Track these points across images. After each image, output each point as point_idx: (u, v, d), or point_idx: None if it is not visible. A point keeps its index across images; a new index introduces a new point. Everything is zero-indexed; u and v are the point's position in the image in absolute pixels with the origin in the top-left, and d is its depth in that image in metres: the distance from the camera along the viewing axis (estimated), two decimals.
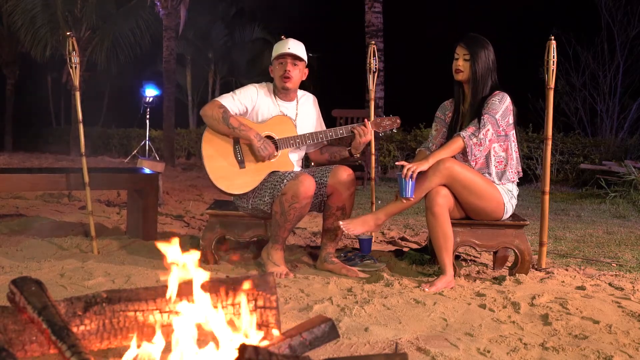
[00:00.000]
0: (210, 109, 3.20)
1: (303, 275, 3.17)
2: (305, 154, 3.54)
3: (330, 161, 3.47)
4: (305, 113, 3.42)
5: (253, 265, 3.40)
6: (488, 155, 3.10)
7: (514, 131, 3.14)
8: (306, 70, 3.39)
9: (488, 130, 3.02)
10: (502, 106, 3.05)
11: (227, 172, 3.21)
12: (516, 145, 3.16)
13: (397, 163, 2.96)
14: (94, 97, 20.00)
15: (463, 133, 3.01)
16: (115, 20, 16.58)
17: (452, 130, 3.20)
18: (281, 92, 3.35)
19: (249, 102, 3.29)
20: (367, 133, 3.26)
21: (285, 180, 3.11)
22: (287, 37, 3.46)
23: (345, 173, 3.24)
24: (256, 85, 3.37)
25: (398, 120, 3.42)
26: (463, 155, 3.09)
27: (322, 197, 3.27)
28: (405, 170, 2.88)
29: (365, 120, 3.30)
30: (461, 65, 3.11)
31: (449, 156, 2.98)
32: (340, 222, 3.04)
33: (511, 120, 3.10)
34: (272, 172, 3.24)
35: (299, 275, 3.17)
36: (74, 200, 5.94)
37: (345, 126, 3.32)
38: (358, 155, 3.38)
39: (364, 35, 10.04)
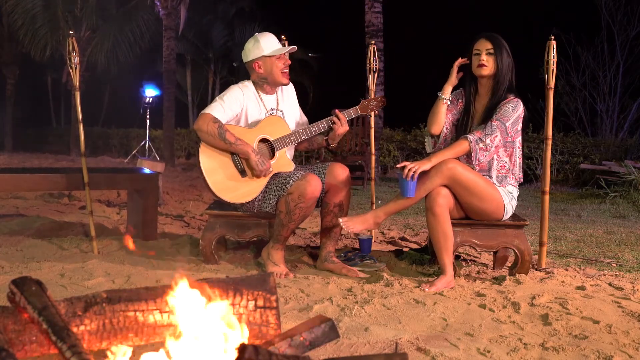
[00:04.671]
0: (205, 125, 3.14)
1: (303, 275, 3.17)
2: None
3: (309, 149, 3.55)
4: (286, 101, 3.44)
5: (253, 265, 3.40)
6: (491, 160, 3.09)
7: (520, 138, 3.13)
8: None
9: (496, 136, 3.01)
10: (514, 114, 3.03)
11: (229, 183, 3.19)
12: (520, 152, 3.15)
13: (398, 165, 2.95)
14: (94, 97, 19.99)
15: (470, 137, 3.00)
16: (115, 20, 16.57)
17: (460, 131, 3.18)
18: (271, 85, 3.34)
19: (237, 105, 3.27)
20: (342, 124, 3.29)
21: (291, 181, 3.11)
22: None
23: (341, 170, 3.27)
24: (239, 85, 3.34)
25: (384, 99, 3.46)
26: (467, 157, 3.08)
27: (320, 194, 3.28)
28: (406, 171, 2.87)
29: (337, 111, 3.31)
30: (485, 59, 3.06)
31: (452, 157, 2.98)
32: (340, 220, 3.04)
33: (520, 127, 3.09)
34: (275, 174, 3.24)
35: (299, 275, 3.17)
36: (74, 200, 5.95)
37: (327, 119, 3.32)
38: (334, 145, 3.43)
39: (364, 35, 10.05)
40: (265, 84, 3.34)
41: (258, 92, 3.35)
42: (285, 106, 3.42)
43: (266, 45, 3.29)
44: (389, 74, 10.59)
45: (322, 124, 3.33)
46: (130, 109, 18.12)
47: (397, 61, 15.05)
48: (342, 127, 3.30)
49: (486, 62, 3.06)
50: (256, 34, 3.39)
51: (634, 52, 12.09)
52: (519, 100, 3.07)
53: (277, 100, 3.40)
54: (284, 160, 3.29)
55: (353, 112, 3.40)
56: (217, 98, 3.29)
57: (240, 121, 3.29)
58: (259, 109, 3.32)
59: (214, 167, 3.19)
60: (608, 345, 2.16)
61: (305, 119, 3.52)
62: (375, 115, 3.75)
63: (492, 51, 3.06)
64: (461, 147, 3.00)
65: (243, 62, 3.39)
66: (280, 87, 3.42)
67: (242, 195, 3.20)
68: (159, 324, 1.89)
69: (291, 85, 3.50)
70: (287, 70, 3.31)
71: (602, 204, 7.05)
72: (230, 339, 1.68)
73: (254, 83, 3.36)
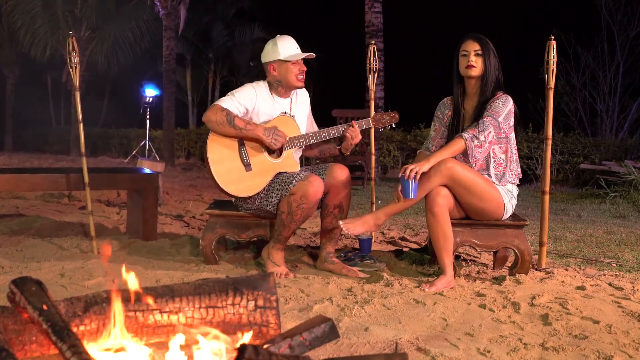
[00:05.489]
0: (213, 114, 3.16)
1: (303, 275, 3.17)
2: None
3: (319, 157, 3.54)
4: (299, 107, 3.44)
5: (253, 265, 3.40)
6: (488, 157, 3.10)
7: (514, 133, 3.14)
8: None
9: (490, 132, 3.01)
10: (505, 109, 3.04)
11: (234, 176, 3.20)
12: (516, 148, 3.16)
13: (400, 174, 2.95)
14: (94, 97, 19.99)
15: (465, 134, 3.00)
16: (115, 20, 16.57)
17: (452, 132, 3.19)
18: (286, 89, 3.34)
19: (248, 102, 3.28)
20: (357, 135, 3.30)
21: (294, 181, 3.11)
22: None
23: (341, 171, 3.26)
24: (252, 84, 3.36)
25: (397, 116, 3.45)
26: (463, 155, 3.08)
27: (321, 195, 3.28)
28: (407, 172, 2.87)
29: (353, 122, 3.32)
30: (474, 60, 3.08)
31: (450, 157, 2.98)
32: (341, 222, 3.04)
33: (512, 122, 3.10)
34: (279, 173, 3.24)
35: (299, 275, 3.17)
36: (74, 200, 5.95)
37: (338, 126, 3.34)
38: (348, 153, 3.43)
39: (364, 35, 10.05)
40: (280, 87, 3.34)
41: (272, 94, 3.35)
42: (298, 111, 3.42)
43: (283, 49, 3.29)
44: (389, 74, 10.59)
45: (333, 131, 3.33)
46: (130, 109, 18.10)
47: (397, 61, 15.05)
48: (356, 138, 3.31)
49: (475, 63, 3.09)
50: (277, 36, 3.37)
51: (634, 52, 12.09)
52: (508, 96, 3.09)
53: (291, 104, 3.40)
54: (290, 160, 3.29)
55: (365, 123, 3.40)
56: (229, 93, 3.31)
57: (250, 119, 3.30)
58: (271, 109, 3.32)
59: (220, 159, 3.20)
60: (608, 345, 2.16)
61: (316, 127, 3.51)
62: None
63: (480, 52, 3.08)
64: (457, 145, 3.00)
65: (261, 62, 3.38)
66: (295, 92, 3.42)
67: (245, 189, 3.20)
68: (159, 324, 1.89)
69: (306, 93, 3.50)
70: (302, 76, 3.30)
71: (602, 204, 7.05)
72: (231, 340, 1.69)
73: (269, 84, 3.36)
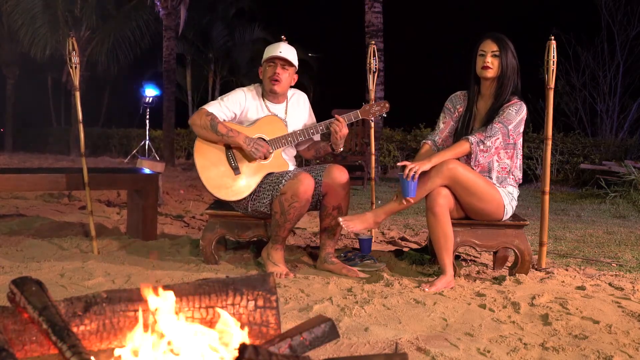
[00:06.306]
0: (198, 118, 3.19)
1: (303, 275, 3.17)
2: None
3: (316, 157, 3.52)
4: (295, 112, 3.42)
5: (253, 265, 3.40)
6: (492, 160, 3.09)
7: (522, 140, 3.13)
8: (296, 76, 3.39)
9: (497, 139, 3.00)
10: (517, 117, 3.03)
11: (223, 180, 3.21)
12: (521, 154, 3.15)
13: (398, 164, 2.95)
14: (94, 97, 20.00)
15: (472, 138, 2.99)
16: (115, 20, 16.59)
17: (461, 131, 3.17)
18: (269, 94, 3.34)
19: (237, 107, 3.28)
20: (341, 128, 3.27)
21: (284, 180, 3.11)
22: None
23: (339, 172, 3.24)
24: (244, 88, 3.36)
25: (387, 105, 3.43)
26: (466, 157, 3.08)
27: (317, 196, 3.27)
28: (407, 171, 2.87)
29: (337, 115, 3.30)
30: (490, 61, 3.04)
31: (452, 158, 2.97)
32: (340, 219, 3.03)
33: (522, 129, 3.09)
34: (268, 173, 3.24)
35: (299, 275, 3.17)
36: (74, 200, 5.95)
37: (324, 122, 3.33)
38: (340, 150, 3.39)
39: (364, 35, 10.05)
40: (264, 91, 3.36)
41: (263, 99, 3.35)
42: (295, 117, 3.40)
43: (267, 52, 3.33)
44: (389, 74, 10.59)
45: (321, 126, 3.33)
46: (130, 109, 18.13)
47: (397, 61, 15.06)
48: (341, 131, 3.27)
49: (491, 65, 3.05)
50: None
51: (634, 52, 12.10)
52: (523, 103, 3.07)
53: (286, 110, 3.39)
54: (279, 160, 3.29)
55: (353, 115, 3.38)
56: (218, 97, 3.32)
57: (239, 122, 3.30)
58: (261, 114, 3.31)
59: (208, 164, 3.21)
60: (608, 345, 2.16)
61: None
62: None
63: (497, 53, 3.04)
64: (462, 148, 3.00)
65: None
66: (290, 98, 3.41)
67: (235, 192, 3.21)
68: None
69: (304, 96, 3.49)
70: (277, 79, 3.26)
71: (602, 204, 7.05)
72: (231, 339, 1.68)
73: (263, 89, 3.37)
